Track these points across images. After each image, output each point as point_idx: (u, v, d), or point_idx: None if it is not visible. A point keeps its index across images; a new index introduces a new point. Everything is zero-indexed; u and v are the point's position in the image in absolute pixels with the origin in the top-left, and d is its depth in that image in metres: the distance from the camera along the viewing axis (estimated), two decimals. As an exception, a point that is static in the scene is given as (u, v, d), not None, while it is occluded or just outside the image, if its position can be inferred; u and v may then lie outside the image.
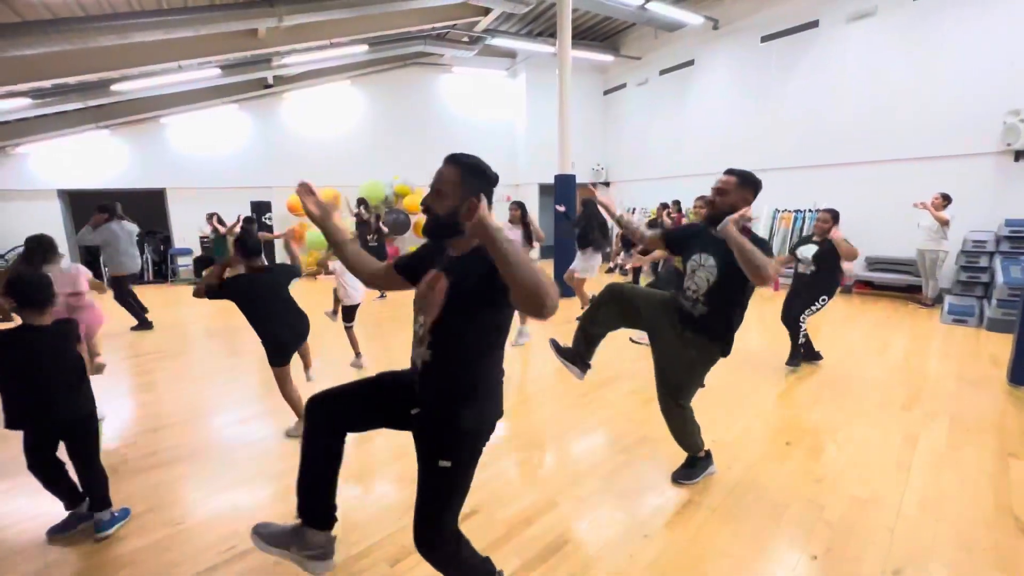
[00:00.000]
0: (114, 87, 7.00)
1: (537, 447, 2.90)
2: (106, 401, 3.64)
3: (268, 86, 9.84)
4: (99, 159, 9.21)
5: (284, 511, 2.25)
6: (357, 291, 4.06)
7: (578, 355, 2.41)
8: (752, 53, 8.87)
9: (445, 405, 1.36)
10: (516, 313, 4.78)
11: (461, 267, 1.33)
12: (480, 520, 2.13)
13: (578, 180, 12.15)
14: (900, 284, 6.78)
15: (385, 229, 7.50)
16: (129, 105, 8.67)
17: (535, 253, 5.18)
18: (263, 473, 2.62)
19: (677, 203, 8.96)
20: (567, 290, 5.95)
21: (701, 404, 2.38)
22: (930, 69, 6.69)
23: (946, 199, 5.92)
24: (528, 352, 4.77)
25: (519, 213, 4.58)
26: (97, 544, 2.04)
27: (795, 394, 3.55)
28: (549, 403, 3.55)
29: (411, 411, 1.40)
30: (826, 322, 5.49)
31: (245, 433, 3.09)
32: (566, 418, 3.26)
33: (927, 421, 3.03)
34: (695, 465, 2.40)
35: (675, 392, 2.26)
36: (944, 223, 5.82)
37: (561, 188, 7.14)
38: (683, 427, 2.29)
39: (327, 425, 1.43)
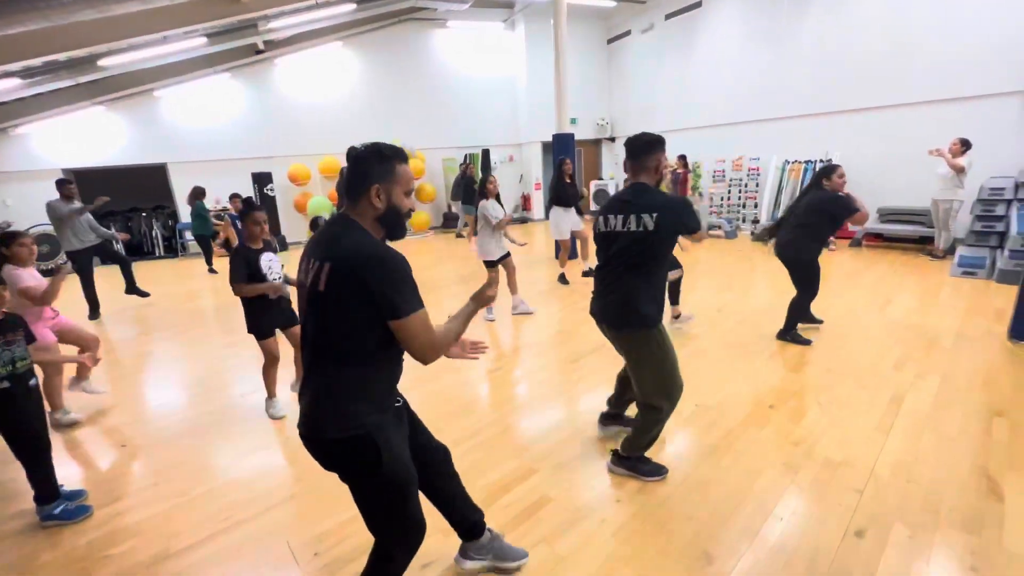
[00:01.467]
0: (101, 62, 6.89)
1: (521, 414, 2.98)
2: (115, 378, 3.83)
3: (259, 52, 9.59)
4: (98, 136, 9.21)
5: (277, 483, 2.39)
6: None
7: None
8: (763, -9, 8.28)
9: None
10: (506, 284, 4.74)
11: None
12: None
13: (582, 136, 11.88)
14: (912, 236, 6.55)
15: None
16: (121, 79, 8.55)
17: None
18: (263, 446, 2.75)
19: (683, 158, 8.68)
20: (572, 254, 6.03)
21: (690, 368, 2.39)
22: (951, 4, 6.19)
23: (965, 145, 5.61)
24: (520, 319, 4.80)
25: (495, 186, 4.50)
26: (109, 516, 2.20)
27: (787, 355, 3.54)
28: (537, 371, 3.61)
29: (398, 404, 1.44)
30: (830, 276, 5.38)
31: (247, 407, 3.22)
32: (552, 386, 3.33)
33: (916, 381, 3.01)
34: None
35: None
36: (960, 170, 5.54)
37: (559, 148, 6.93)
38: None
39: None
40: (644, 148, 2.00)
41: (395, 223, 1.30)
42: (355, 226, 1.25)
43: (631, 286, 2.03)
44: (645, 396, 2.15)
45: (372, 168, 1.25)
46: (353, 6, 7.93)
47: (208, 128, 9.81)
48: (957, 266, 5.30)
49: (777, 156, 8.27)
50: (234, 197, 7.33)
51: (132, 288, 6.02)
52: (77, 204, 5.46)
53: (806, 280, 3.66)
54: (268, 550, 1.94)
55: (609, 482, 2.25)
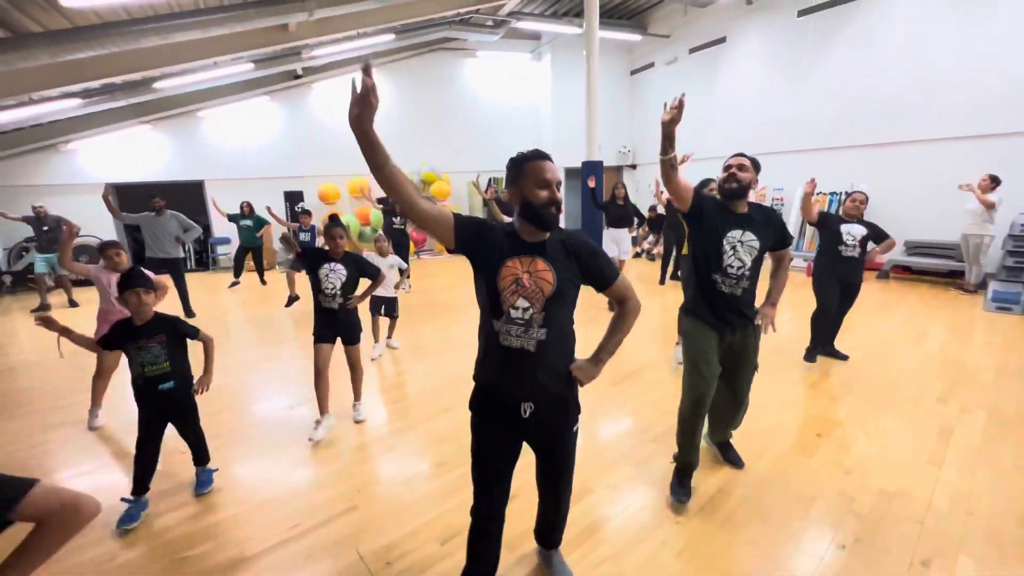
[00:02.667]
0: (156, 85, 7.29)
1: (570, 435, 3.02)
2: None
3: (297, 76, 10.04)
4: (143, 153, 9.63)
5: (337, 494, 2.45)
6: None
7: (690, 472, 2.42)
8: (787, 28, 8.53)
9: (563, 377, 1.55)
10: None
11: (554, 253, 1.47)
12: (516, 506, 2.28)
13: (606, 164, 12.10)
14: (941, 269, 6.56)
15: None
16: (168, 101, 9.00)
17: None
18: (316, 457, 2.83)
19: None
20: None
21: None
22: (979, 40, 6.33)
23: (994, 181, 5.68)
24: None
25: None
26: (179, 520, 2.28)
27: (827, 385, 3.56)
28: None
29: (523, 415, 1.50)
30: (860, 309, 5.37)
31: (296, 418, 3.30)
32: (596, 407, 3.37)
33: (962, 415, 3.01)
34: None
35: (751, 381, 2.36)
36: (990, 207, 5.59)
37: (589, 175, 7.12)
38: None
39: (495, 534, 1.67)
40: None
41: (530, 215, 1.44)
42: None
43: None
44: None
45: (509, 174, 1.51)
46: (392, 36, 8.31)
47: (245, 148, 10.20)
48: (991, 301, 5.29)
49: (802, 187, 8.35)
50: (303, 214, 7.49)
51: (188, 312, 6.19)
52: (164, 214, 5.91)
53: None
54: (339, 558, 2.00)
55: (665, 504, 2.28)
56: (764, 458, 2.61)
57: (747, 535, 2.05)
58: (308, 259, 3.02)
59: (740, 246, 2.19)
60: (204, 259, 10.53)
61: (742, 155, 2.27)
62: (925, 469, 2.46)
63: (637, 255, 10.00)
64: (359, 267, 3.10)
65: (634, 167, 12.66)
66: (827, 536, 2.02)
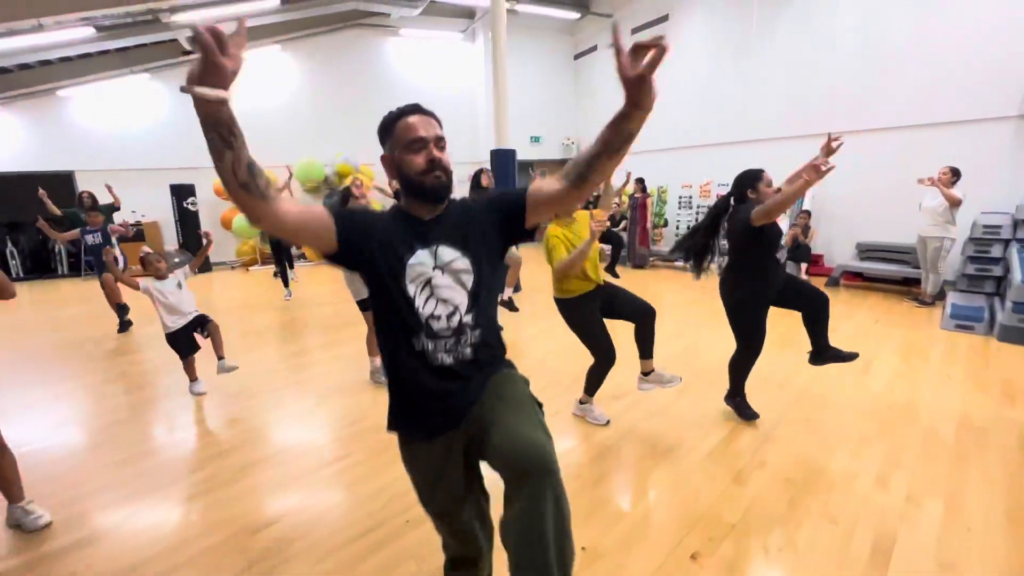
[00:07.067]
0: (-36, 50, 5.93)
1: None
2: None
3: (186, 52, 8.70)
4: (-8, 138, 8.17)
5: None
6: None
7: None
8: (731, 3, 7.64)
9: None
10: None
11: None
12: None
13: (548, 156, 11.13)
14: (895, 276, 5.74)
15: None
16: (19, 78, 7.60)
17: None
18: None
19: (641, 181, 7.88)
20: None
21: (592, 481, 1.43)
22: (937, 21, 5.54)
23: (955, 174, 4.84)
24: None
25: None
26: None
27: (733, 450, 2.58)
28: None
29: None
30: (796, 326, 4.45)
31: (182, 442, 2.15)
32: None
33: (910, 509, 2.06)
34: None
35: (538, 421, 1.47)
36: (956, 203, 4.75)
37: (499, 166, 6.08)
38: None
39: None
40: None
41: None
42: None
43: None
44: None
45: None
46: (276, 3, 7.09)
47: (123, 133, 8.83)
48: (950, 318, 4.44)
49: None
50: (91, 210, 5.72)
51: None
52: None
53: (736, 329, 2.85)
54: None
55: None
56: (592, 618, 1.59)
57: None
58: None
59: (440, 276, 1.15)
60: (78, 263, 9.11)
61: (425, 111, 1.18)
62: (844, 643, 1.48)
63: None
64: None
65: (581, 161, 11.70)
66: None
